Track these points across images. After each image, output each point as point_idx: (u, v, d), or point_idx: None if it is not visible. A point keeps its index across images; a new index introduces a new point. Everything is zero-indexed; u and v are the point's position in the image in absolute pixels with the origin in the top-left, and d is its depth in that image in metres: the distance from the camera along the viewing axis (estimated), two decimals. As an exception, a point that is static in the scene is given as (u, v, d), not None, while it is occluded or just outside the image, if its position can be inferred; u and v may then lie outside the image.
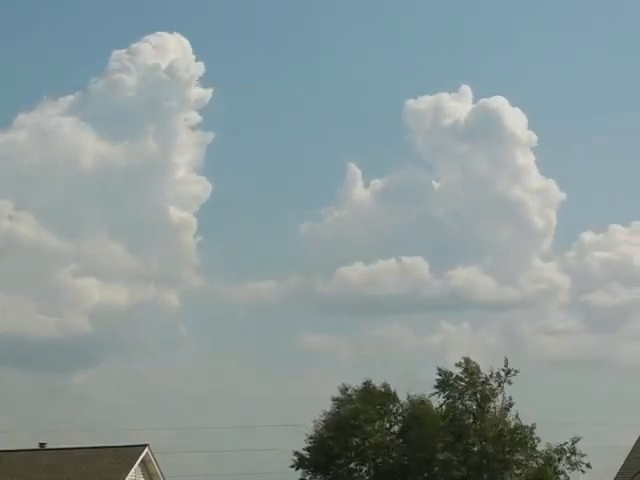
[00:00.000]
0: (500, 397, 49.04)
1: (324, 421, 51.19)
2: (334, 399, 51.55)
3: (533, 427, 48.32)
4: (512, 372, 48.70)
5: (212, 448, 58.59)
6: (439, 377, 49.59)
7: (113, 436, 51.34)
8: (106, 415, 64.69)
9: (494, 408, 49.08)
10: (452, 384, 49.37)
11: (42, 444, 44.81)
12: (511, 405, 48.87)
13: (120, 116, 78.80)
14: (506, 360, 48.96)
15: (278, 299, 79.24)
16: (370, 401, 51.18)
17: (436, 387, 49.68)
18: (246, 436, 61.28)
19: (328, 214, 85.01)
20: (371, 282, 78.31)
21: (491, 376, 49.12)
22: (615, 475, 45.59)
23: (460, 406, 49.48)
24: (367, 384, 51.75)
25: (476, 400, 49.24)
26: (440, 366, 49.80)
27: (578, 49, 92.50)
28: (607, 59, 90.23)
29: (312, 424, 51.08)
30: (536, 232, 79.82)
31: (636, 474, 42.25)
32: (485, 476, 47.67)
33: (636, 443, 45.99)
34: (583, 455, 47.26)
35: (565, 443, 47.45)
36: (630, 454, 45.59)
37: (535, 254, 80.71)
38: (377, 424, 51.17)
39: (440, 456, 48.92)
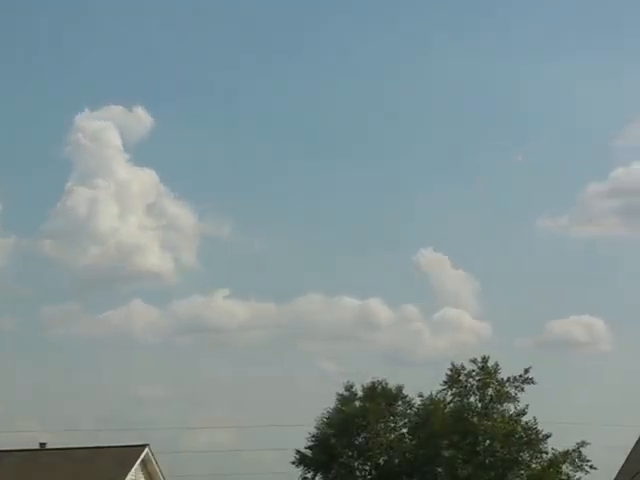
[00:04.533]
0: (513, 403, 48.61)
1: (327, 419, 50.99)
2: (338, 396, 51.32)
3: (548, 435, 48.06)
4: (529, 380, 48.32)
5: (212, 448, 58.70)
6: (449, 372, 49.08)
7: (113, 436, 51.38)
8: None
9: (505, 410, 48.65)
10: (461, 380, 48.96)
11: (42, 444, 44.83)
12: (524, 413, 48.52)
13: None
14: (526, 368, 48.54)
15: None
16: (377, 400, 50.99)
17: (445, 382, 49.24)
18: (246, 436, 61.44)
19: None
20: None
21: (508, 380, 48.72)
22: (615, 475, 45.70)
23: (466, 403, 49.07)
24: (375, 383, 51.57)
25: (483, 400, 48.86)
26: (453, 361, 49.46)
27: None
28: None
29: (314, 422, 50.97)
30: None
31: (636, 474, 42.30)
32: (490, 475, 47.45)
33: (636, 443, 46.09)
34: (588, 460, 46.91)
35: (573, 451, 47.10)
36: (630, 454, 45.71)
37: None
38: (384, 423, 50.98)
39: (445, 454, 48.71)
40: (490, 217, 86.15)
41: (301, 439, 51.03)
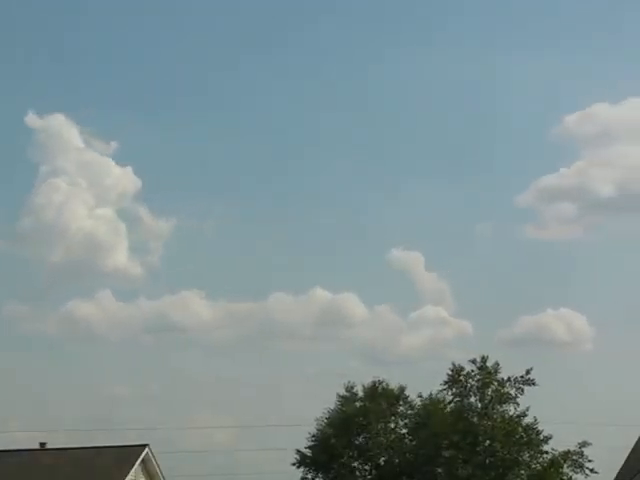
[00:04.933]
0: (512, 403, 48.55)
1: (327, 419, 51.04)
2: (339, 397, 51.38)
3: (549, 437, 48.04)
4: (530, 382, 48.27)
5: (212, 448, 58.68)
6: (450, 372, 48.99)
7: (113, 436, 51.39)
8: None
9: (505, 411, 48.63)
10: (461, 381, 48.95)
11: (42, 444, 44.78)
12: (525, 415, 48.47)
13: None
14: (528, 369, 48.53)
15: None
16: (378, 400, 51.02)
17: (445, 382, 49.19)
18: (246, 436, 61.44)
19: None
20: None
21: (508, 380, 48.72)
22: (615, 475, 45.71)
23: (466, 403, 49.09)
24: (376, 383, 51.61)
25: (483, 400, 48.83)
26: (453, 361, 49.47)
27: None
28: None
29: (315, 422, 51.04)
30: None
31: (636, 474, 42.32)
32: (491, 475, 47.46)
33: (636, 443, 46.08)
34: (590, 461, 46.85)
35: (575, 452, 47.05)
36: (630, 454, 45.70)
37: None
38: (384, 423, 51.02)
39: (445, 454, 48.71)
40: (459, 216, 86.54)
41: (296, 439, 51.21)
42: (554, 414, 50.90)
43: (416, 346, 77.75)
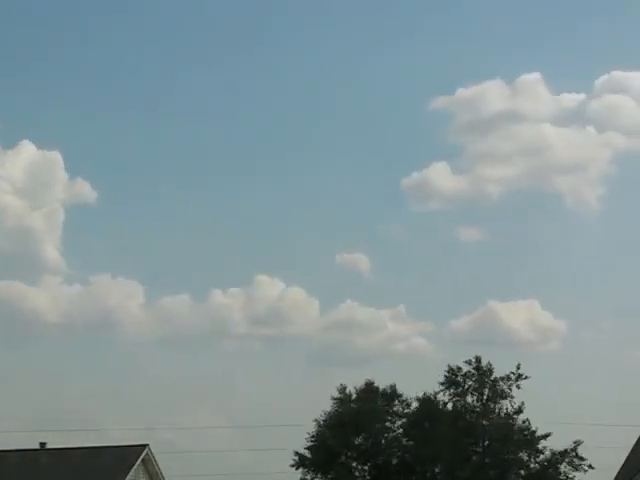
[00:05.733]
0: (509, 400, 48.97)
1: (325, 420, 51.23)
2: (334, 399, 51.61)
3: (548, 435, 48.36)
4: (523, 376, 48.64)
5: (212, 448, 58.60)
6: (447, 374, 49.44)
7: (113, 436, 51.30)
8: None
9: (501, 409, 49.02)
10: (458, 381, 49.29)
11: (42, 444, 44.75)
12: (521, 410, 48.78)
13: None
14: (518, 365, 48.88)
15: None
16: (373, 400, 51.19)
17: (442, 384, 49.53)
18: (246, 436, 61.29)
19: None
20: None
21: (502, 378, 48.99)
22: (615, 475, 45.65)
23: (464, 404, 49.43)
24: (369, 384, 51.78)
25: (481, 400, 49.20)
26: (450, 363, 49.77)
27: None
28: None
29: (313, 424, 51.21)
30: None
31: (636, 474, 42.29)
32: (489, 475, 47.73)
33: (636, 443, 46.03)
34: (585, 459, 47.37)
35: (571, 450, 47.48)
36: (630, 454, 45.63)
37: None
38: (382, 423, 51.22)
39: (444, 454, 48.90)
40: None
41: (293, 439, 51.42)
42: (552, 414, 51.08)
43: (370, 346, 77.27)
